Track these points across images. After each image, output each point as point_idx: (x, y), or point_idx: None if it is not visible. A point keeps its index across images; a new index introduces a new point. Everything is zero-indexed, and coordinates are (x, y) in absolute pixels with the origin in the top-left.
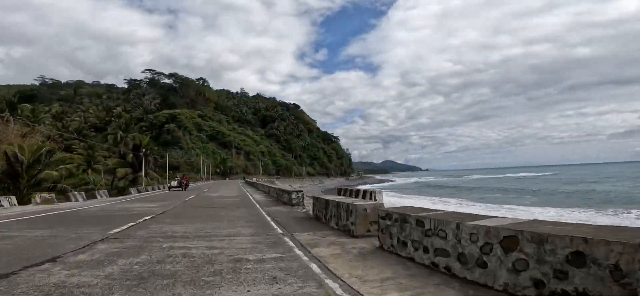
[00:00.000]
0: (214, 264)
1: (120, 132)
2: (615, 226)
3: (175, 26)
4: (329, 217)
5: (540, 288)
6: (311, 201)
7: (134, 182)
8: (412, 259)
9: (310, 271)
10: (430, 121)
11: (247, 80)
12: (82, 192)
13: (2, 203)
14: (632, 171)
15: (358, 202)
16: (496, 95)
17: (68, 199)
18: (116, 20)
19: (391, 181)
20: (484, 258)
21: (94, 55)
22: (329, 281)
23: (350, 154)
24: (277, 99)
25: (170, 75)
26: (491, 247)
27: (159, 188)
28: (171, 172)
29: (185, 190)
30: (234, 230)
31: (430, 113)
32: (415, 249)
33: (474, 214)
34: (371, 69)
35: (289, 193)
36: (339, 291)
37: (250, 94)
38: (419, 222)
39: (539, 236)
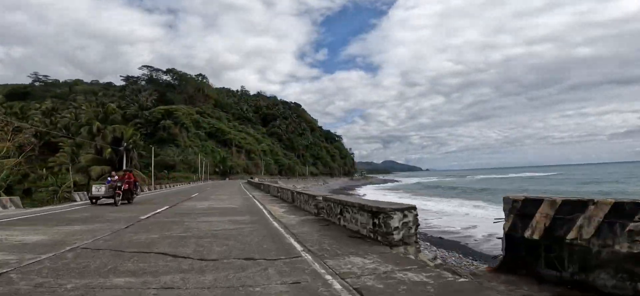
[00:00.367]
0: None
1: (97, 123)
2: None
3: (175, 26)
4: None
5: None
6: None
7: None
8: None
9: None
10: (431, 121)
11: (247, 80)
12: None
13: None
14: (639, 171)
15: None
16: (497, 95)
17: None
18: (116, 20)
19: (396, 181)
20: None
21: (94, 55)
22: None
23: (353, 154)
24: (278, 98)
25: (168, 71)
26: None
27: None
28: (164, 172)
29: (131, 201)
30: None
31: (431, 113)
32: None
33: None
34: (371, 68)
35: (377, 213)
36: None
37: (251, 93)
38: None
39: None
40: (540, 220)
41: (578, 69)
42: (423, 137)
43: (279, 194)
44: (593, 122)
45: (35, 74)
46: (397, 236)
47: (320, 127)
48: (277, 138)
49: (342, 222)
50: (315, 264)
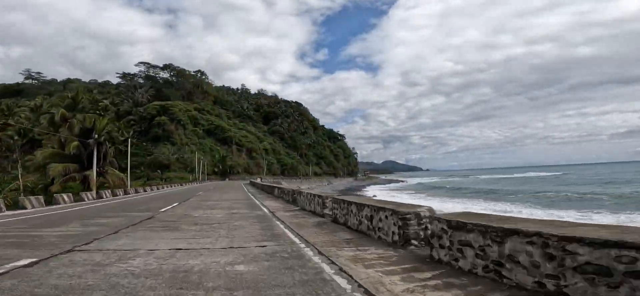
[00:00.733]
0: None
1: (62, 110)
2: None
3: (175, 26)
4: None
5: None
6: None
7: (84, 184)
8: None
9: None
10: (431, 121)
11: (247, 79)
12: None
13: None
14: None
15: None
16: (497, 95)
17: None
18: (116, 20)
19: (400, 181)
20: None
21: (94, 55)
22: None
23: (356, 154)
24: (278, 97)
25: (166, 67)
26: None
27: (108, 195)
28: (158, 172)
29: None
30: None
31: (431, 113)
32: None
33: None
34: (372, 68)
35: None
36: None
37: (252, 92)
38: None
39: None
40: None
41: (579, 69)
42: (423, 137)
43: (303, 203)
44: (593, 122)
45: (28, 71)
46: None
47: (323, 126)
48: (278, 137)
49: None
50: None
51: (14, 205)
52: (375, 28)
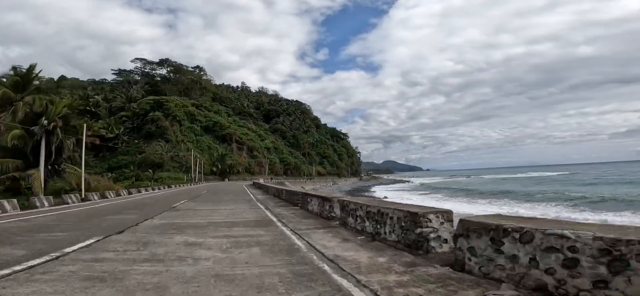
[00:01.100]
0: None
1: (4, 89)
2: None
3: (174, 26)
4: None
5: None
6: None
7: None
8: None
9: None
10: (431, 121)
11: (247, 79)
12: None
13: None
14: None
15: None
16: (498, 94)
17: None
18: (115, 20)
19: (405, 181)
20: None
21: (94, 55)
22: None
23: (359, 153)
24: (279, 96)
25: (162, 62)
26: None
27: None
28: (149, 171)
29: None
30: None
31: (432, 113)
32: None
33: None
34: (372, 68)
35: None
36: None
37: (252, 90)
38: None
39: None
40: None
41: (579, 69)
42: (424, 137)
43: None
44: (594, 121)
45: (19, 67)
46: None
47: (325, 124)
48: (280, 135)
49: None
50: None
51: None
52: (376, 28)
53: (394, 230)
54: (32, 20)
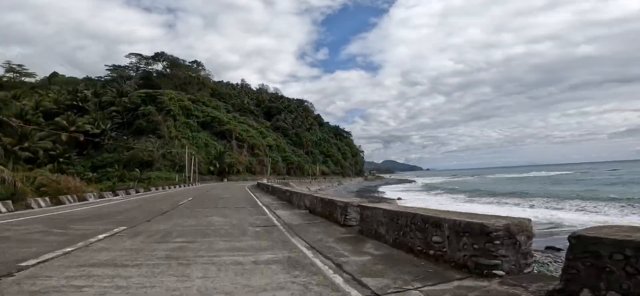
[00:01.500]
0: None
1: None
2: None
3: (174, 25)
4: None
5: None
6: None
7: None
8: None
9: None
10: (431, 121)
11: (247, 79)
12: None
13: None
14: None
15: None
16: (498, 94)
17: None
18: (115, 20)
19: (409, 181)
20: None
21: (93, 55)
22: None
23: (362, 152)
24: (280, 93)
25: (157, 56)
26: None
27: None
28: (136, 171)
29: None
30: None
31: (432, 112)
32: None
33: None
34: (372, 68)
35: None
36: None
37: (252, 87)
38: None
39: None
40: None
41: (579, 68)
42: (423, 137)
43: None
44: (594, 121)
45: (8, 62)
46: None
47: (328, 123)
48: (282, 133)
49: None
50: None
51: None
52: (376, 27)
53: None
54: (32, 20)
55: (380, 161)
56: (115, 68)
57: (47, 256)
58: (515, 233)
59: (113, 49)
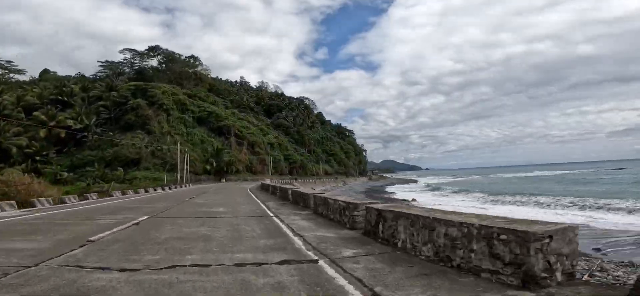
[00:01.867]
0: None
1: None
2: None
3: (172, 25)
4: None
5: None
6: None
7: None
8: None
9: None
10: (431, 120)
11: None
12: None
13: None
14: None
15: None
16: (497, 93)
17: None
18: (113, 20)
19: (413, 181)
20: None
21: (91, 55)
22: None
23: (365, 151)
24: (280, 91)
25: (152, 50)
26: None
27: None
28: (119, 170)
29: None
30: None
31: (431, 112)
32: None
33: None
34: (371, 67)
35: None
36: None
37: (252, 85)
38: None
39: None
40: None
41: (579, 67)
42: (423, 137)
43: None
44: (593, 120)
45: None
46: None
47: (329, 121)
48: (283, 131)
49: None
50: None
51: None
52: (375, 26)
53: None
54: (30, 20)
55: (380, 161)
56: (108, 64)
57: None
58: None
59: (111, 49)
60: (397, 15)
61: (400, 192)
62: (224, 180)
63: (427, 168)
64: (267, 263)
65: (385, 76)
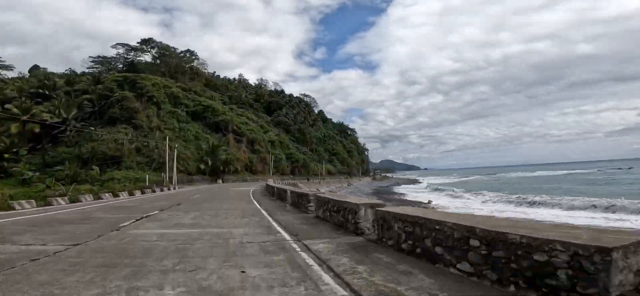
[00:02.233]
0: None
1: None
2: None
3: (171, 25)
4: None
5: None
6: None
7: None
8: None
9: None
10: (430, 120)
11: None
12: None
13: None
14: None
15: None
16: (496, 93)
17: None
18: (112, 20)
19: (418, 181)
20: None
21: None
22: None
23: (367, 150)
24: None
25: (145, 42)
26: None
27: None
28: (93, 169)
29: None
30: None
31: (430, 112)
32: None
33: None
34: (370, 67)
35: None
36: None
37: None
38: None
39: None
40: None
41: (578, 67)
42: (421, 136)
43: None
44: (591, 119)
45: None
46: None
47: (331, 119)
48: (284, 129)
49: None
50: None
51: None
52: (374, 26)
53: None
54: (28, 20)
55: (378, 161)
56: (100, 60)
57: None
58: None
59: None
60: (396, 14)
61: (411, 192)
62: (221, 181)
63: (425, 168)
64: None
65: (384, 76)
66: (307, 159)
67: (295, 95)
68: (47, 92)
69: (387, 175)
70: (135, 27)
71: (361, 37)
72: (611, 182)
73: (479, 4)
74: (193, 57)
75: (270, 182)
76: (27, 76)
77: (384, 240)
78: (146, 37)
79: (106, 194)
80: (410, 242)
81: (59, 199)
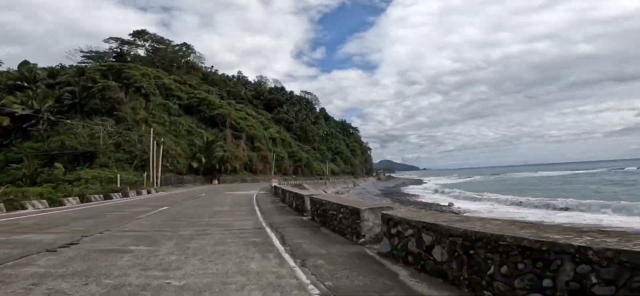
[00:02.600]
0: None
1: None
2: None
3: (169, 24)
4: None
5: None
6: None
7: None
8: None
9: None
10: (429, 120)
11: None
12: None
13: None
14: None
15: None
16: (495, 93)
17: None
18: (111, 20)
19: (423, 181)
20: None
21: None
22: None
23: (369, 150)
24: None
25: (138, 34)
26: None
27: None
28: (60, 168)
29: None
30: None
31: (429, 112)
32: None
33: None
34: (370, 67)
35: None
36: None
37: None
38: None
39: None
40: None
41: (577, 67)
42: (420, 136)
43: None
44: (590, 119)
45: None
46: None
47: (332, 117)
48: (285, 127)
49: None
50: None
51: None
52: (373, 26)
53: None
54: (26, 19)
55: (378, 161)
56: (92, 54)
57: None
58: None
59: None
60: (396, 14)
61: (423, 194)
62: (216, 182)
63: (424, 169)
64: None
65: (383, 76)
66: (310, 158)
67: (296, 93)
68: (26, 84)
69: (392, 175)
70: (134, 27)
71: (360, 37)
72: (635, 183)
73: (478, 4)
74: (189, 51)
75: (275, 183)
76: (14, 69)
77: None
78: (139, 29)
79: (36, 202)
80: None
81: None
